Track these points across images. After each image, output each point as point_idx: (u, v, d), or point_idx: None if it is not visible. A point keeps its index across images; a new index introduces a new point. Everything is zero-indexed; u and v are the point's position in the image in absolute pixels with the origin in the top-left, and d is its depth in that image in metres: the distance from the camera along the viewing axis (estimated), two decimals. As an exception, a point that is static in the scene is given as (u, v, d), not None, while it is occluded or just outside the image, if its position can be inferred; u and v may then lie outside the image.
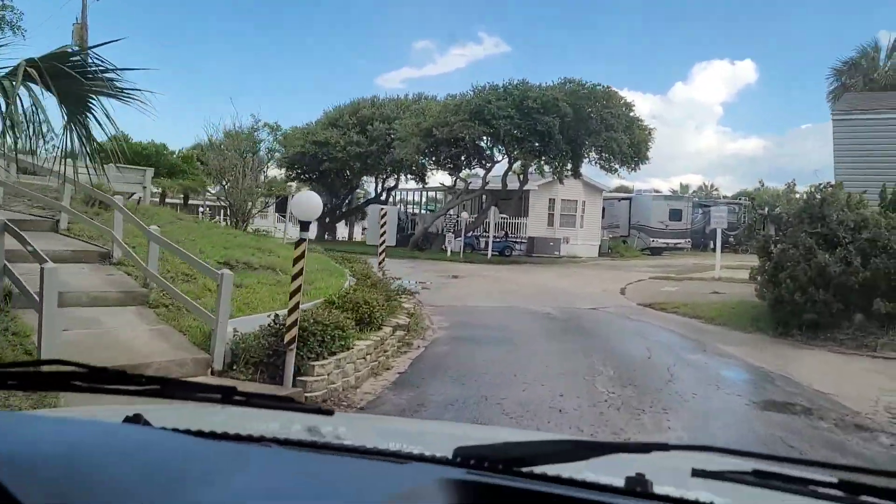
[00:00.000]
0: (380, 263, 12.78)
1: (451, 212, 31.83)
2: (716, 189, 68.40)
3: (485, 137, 26.57)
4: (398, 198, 45.00)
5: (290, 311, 6.48)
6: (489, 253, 29.40)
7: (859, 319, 11.24)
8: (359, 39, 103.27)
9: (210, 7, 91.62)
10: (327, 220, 39.91)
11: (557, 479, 1.10)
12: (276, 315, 6.91)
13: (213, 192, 27.10)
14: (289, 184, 38.05)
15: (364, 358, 7.72)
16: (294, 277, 6.51)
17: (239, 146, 18.65)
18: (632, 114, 27.76)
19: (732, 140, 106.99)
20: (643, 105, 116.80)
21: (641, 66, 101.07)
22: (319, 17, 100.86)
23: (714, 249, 46.18)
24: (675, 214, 41.15)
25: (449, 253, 28.72)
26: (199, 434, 1.29)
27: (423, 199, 44.37)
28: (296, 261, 6.55)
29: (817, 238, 11.12)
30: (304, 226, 6.52)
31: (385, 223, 12.60)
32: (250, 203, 18.80)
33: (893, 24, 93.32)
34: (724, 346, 10.65)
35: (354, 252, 31.59)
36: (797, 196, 11.82)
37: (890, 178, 11.87)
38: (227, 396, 1.37)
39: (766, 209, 12.51)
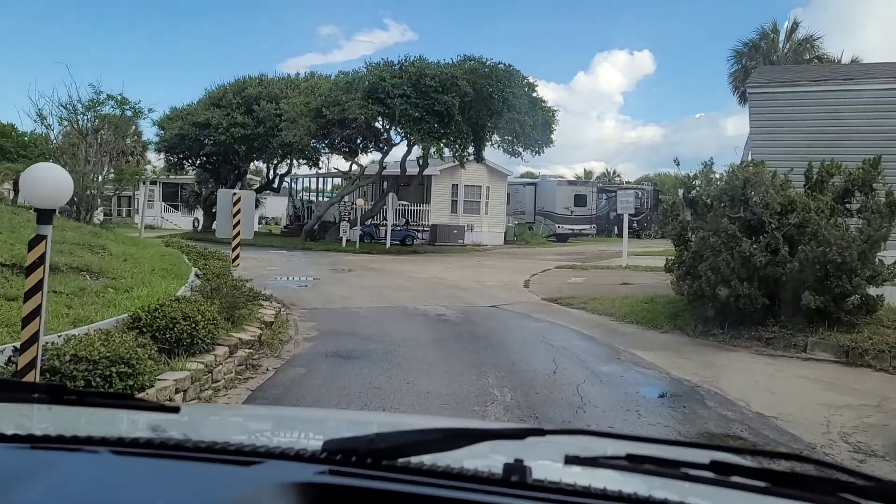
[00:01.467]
0: (233, 261, 10.45)
1: (347, 199, 29.54)
2: (618, 175, 69.11)
3: (380, 118, 24.43)
4: (298, 185, 42.20)
5: (23, 348, 4.26)
6: (388, 242, 27.38)
7: (786, 315, 9.98)
8: (260, 22, 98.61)
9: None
10: (215, 209, 36.73)
11: (431, 472, 1.09)
12: (15, 348, 4.65)
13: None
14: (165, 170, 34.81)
15: (170, 399, 5.57)
16: (28, 295, 4.27)
17: (77, 122, 15.74)
18: (535, 95, 26.33)
19: (632, 128, 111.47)
20: (547, 93, 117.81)
21: (546, 55, 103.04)
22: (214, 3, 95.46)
23: (619, 235, 46.20)
24: (581, 200, 40.44)
25: (344, 243, 26.51)
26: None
27: (327, 186, 41.78)
28: (30, 270, 4.31)
29: (740, 224, 9.75)
30: (44, 216, 4.29)
31: (239, 211, 10.29)
32: (92, 190, 15.93)
33: (784, 14, 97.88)
34: (642, 352, 9.10)
35: (250, 244, 28.93)
36: (716, 176, 10.39)
37: (813, 156, 10.67)
38: (56, 396, 1.31)
39: (682, 192, 10.86)
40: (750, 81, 12.31)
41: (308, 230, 29.07)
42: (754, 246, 9.43)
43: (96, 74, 76.81)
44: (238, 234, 10.07)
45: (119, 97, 16.90)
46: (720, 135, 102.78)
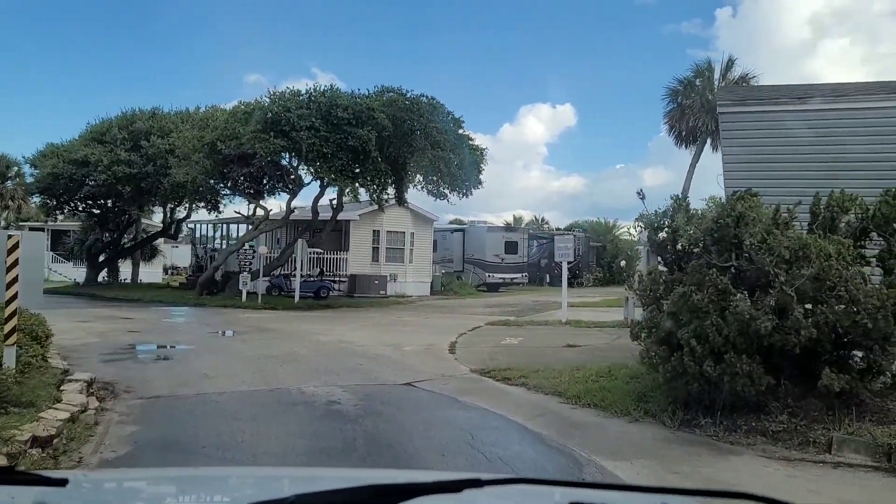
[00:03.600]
0: (6, 337, 6.92)
1: (249, 246, 26.13)
2: (546, 222, 67.86)
3: (285, 154, 21.40)
4: (206, 231, 38.30)
5: None
6: (296, 296, 24.08)
7: (793, 397, 7.43)
8: (187, 69, 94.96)
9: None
10: (101, 257, 32.55)
11: None
12: None
13: None
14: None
15: None
16: None
17: None
18: (462, 132, 23.92)
19: (556, 178, 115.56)
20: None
21: (474, 107, 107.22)
22: (138, 43, 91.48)
23: (552, 284, 44.09)
24: (511, 247, 38.18)
25: (245, 297, 23.05)
26: None
27: (234, 233, 38.00)
28: None
29: (731, 276, 7.20)
30: None
31: (17, 263, 6.86)
32: None
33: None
34: (612, 461, 6.29)
35: (119, 299, 24.99)
36: (695, 212, 7.86)
37: (803, 188, 8.35)
38: None
39: (646, 234, 8.12)
40: (721, 100, 10.10)
41: (203, 283, 25.44)
42: (756, 307, 6.87)
43: None
44: (16, 293, 6.69)
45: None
46: (639, 184, 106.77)
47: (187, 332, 14.68)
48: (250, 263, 23.54)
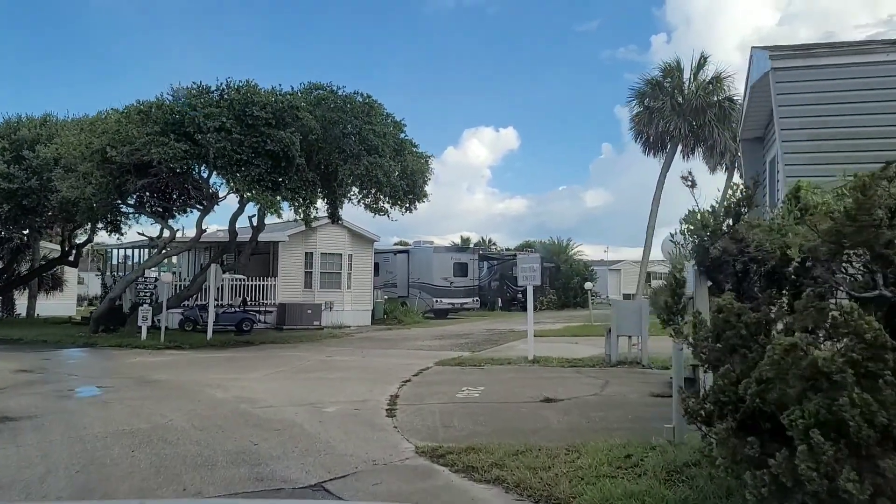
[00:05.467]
0: None
1: (151, 273, 22.14)
2: (494, 243, 65.01)
3: (188, 161, 17.68)
4: (117, 257, 33.78)
5: None
6: (209, 331, 20.24)
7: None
8: (110, 80, 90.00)
9: None
10: (-11, 290, 27.93)
11: None
12: None
13: None
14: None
15: None
16: None
17: None
18: (403, 137, 20.68)
19: (500, 200, 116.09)
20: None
21: (417, 128, 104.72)
22: (44, 48, 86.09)
23: (504, 308, 41.00)
24: (461, 269, 34.98)
25: (144, 334, 19.09)
26: None
27: (143, 258, 33.57)
28: None
29: (886, 312, 4.09)
30: None
31: None
32: None
33: (627, 99, 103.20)
34: None
35: (13, 341, 20.64)
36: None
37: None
38: None
39: (698, 241, 4.80)
40: (776, 54, 7.05)
41: (98, 318, 21.31)
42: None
43: None
44: None
45: None
46: (581, 206, 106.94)
47: (31, 391, 10.85)
48: (151, 294, 19.62)
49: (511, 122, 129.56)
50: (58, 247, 31.35)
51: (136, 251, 30.37)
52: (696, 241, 5.31)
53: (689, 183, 5.12)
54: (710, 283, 5.57)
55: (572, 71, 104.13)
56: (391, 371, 13.59)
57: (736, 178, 24.78)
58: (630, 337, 13.95)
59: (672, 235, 5.73)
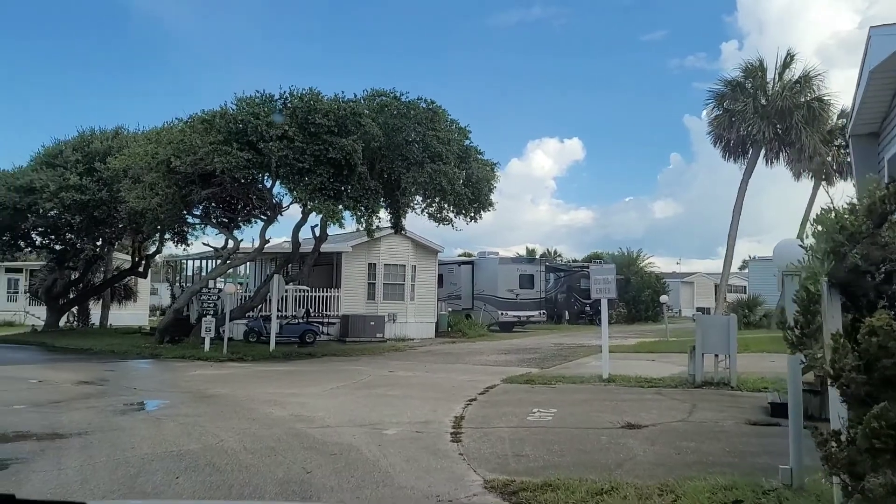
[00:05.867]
0: None
1: (214, 284, 22.08)
2: (559, 255, 63.56)
3: (251, 170, 17.45)
4: (191, 268, 34.24)
5: None
6: (271, 343, 19.96)
7: None
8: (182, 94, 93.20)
9: None
10: (62, 301, 28.59)
11: None
12: None
13: None
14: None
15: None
16: None
17: None
18: (468, 143, 20.00)
19: (565, 212, 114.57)
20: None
21: (481, 142, 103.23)
22: (113, 62, 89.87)
23: (571, 321, 39.73)
24: (527, 281, 33.96)
25: (207, 346, 18.94)
26: None
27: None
28: None
29: None
30: None
31: None
32: None
33: (696, 108, 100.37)
34: None
35: (67, 350, 20.97)
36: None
37: None
38: None
39: (820, 250, 3.80)
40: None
41: (164, 329, 21.37)
42: None
43: None
44: None
45: None
46: (648, 217, 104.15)
47: (87, 405, 10.56)
48: (214, 305, 19.50)
49: (576, 132, 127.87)
50: (127, 257, 32.03)
51: (204, 262, 30.65)
52: (830, 246, 4.36)
53: (823, 176, 4.20)
54: (841, 298, 4.60)
55: (639, 81, 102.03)
56: (456, 388, 12.83)
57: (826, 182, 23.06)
58: (716, 355, 12.77)
59: (804, 238, 4.79)
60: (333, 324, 25.66)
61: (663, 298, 26.41)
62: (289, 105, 17.69)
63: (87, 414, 9.80)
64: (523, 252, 53.37)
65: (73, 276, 29.00)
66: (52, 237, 25.36)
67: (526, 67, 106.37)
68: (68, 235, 24.36)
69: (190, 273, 32.83)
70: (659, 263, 50.49)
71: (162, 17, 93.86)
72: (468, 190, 19.16)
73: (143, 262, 29.08)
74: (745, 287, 44.81)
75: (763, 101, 22.19)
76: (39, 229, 24.27)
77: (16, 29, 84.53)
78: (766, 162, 22.93)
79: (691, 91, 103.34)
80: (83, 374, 14.76)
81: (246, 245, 22.72)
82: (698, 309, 56.83)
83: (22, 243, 26.04)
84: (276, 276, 20.11)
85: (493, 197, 20.54)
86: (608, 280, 13.94)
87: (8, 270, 42.54)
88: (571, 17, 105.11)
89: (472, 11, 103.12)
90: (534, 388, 12.79)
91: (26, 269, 41.10)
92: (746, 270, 42.04)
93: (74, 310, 30.80)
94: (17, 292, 43.17)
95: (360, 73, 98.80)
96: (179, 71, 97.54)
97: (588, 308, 40.97)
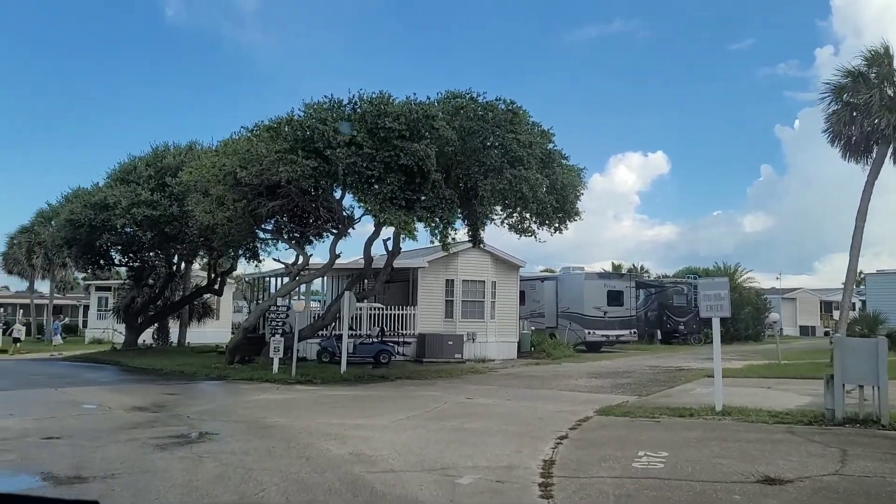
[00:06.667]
0: None
1: (283, 302, 21.11)
2: (646, 270, 60.34)
3: (317, 179, 16.33)
4: (273, 286, 33.81)
5: None
6: (343, 364, 18.75)
7: None
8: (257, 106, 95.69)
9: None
10: (140, 319, 28.51)
11: None
12: None
13: None
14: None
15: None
16: None
17: None
18: (552, 147, 18.32)
19: (649, 227, 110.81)
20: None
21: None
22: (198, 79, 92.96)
23: (662, 341, 37.03)
24: (615, 297, 31.71)
25: (276, 367, 17.91)
26: None
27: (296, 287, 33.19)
28: None
29: None
30: None
31: None
32: None
33: (788, 118, 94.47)
34: None
35: (140, 370, 20.45)
36: None
37: None
38: None
39: None
40: None
41: (234, 348, 20.56)
42: None
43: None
44: None
45: None
46: (738, 232, 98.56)
47: (129, 437, 9.47)
48: (283, 323, 18.49)
49: (660, 146, 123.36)
50: (200, 273, 31.90)
51: (279, 279, 30.06)
52: None
53: None
54: None
55: (726, 91, 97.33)
56: (542, 421, 11.13)
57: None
58: (862, 386, 10.55)
59: None
60: (409, 343, 24.34)
61: (773, 317, 23.76)
62: (357, 110, 16.56)
63: (124, 449, 8.66)
64: (608, 268, 50.81)
65: (152, 294, 28.95)
66: (131, 255, 25.24)
67: (606, 82, 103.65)
68: (143, 252, 24.10)
69: (272, 290, 32.41)
70: (757, 279, 46.82)
71: (249, 43, 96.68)
72: (552, 197, 17.46)
73: (219, 279, 28.68)
74: (857, 304, 40.83)
75: (890, 92, 19.49)
76: (116, 246, 24.13)
77: (114, 51, 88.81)
78: (894, 161, 20.15)
79: (783, 100, 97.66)
80: (142, 398, 13.90)
81: (321, 261, 21.80)
82: (801, 328, 52.54)
83: (102, 261, 26.06)
84: (346, 293, 18.93)
85: (579, 205, 18.75)
86: (720, 296, 11.91)
87: (98, 289, 43.64)
88: (653, 30, 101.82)
89: (549, 28, 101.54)
90: (635, 423, 10.92)
91: (114, 288, 41.98)
92: (862, 287, 38.11)
93: (153, 328, 30.80)
94: (107, 310, 44.20)
95: (432, 88, 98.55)
96: (261, 91, 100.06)
97: (682, 327, 38.22)
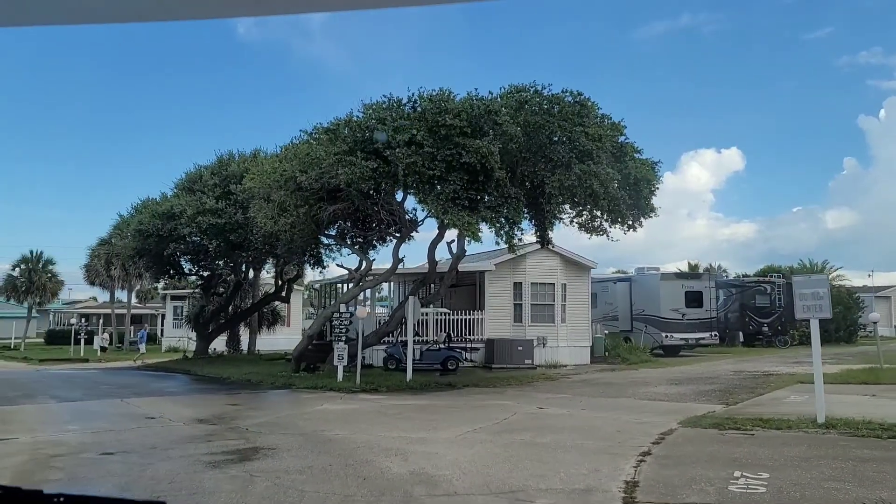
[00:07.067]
0: None
1: (347, 308, 20.71)
2: (725, 270, 57.66)
3: (377, 181, 15.81)
4: (338, 292, 33.78)
5: None
6: (408, 372, 18.17)
7: None
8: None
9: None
10: (210, 327, 28.77)
11: None
12: None
13: None
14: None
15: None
16: None
17: None
18: (623, 140, 17.28)
19: (725, 225, 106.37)
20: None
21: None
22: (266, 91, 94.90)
23: (745, 343, 35.04)
24: (694, 298, 30.07)
25: (340, 376, 17.49)
26: None
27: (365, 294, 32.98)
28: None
29: None
30: None
31: None
32: None
33: (873, 108, 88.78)
34: None
35: (206, 378, 20.44)
36: None
37: None
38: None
39: None
40: None
41: (299, 356, 20.29)
42: None
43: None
44: None
45: None
46: (820, 228, 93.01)
47: (185, 452, 9.08)
48: (346, 331, 18.08)
49: (734, 142, 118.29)
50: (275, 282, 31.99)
51: (346, 285, 29.86)
52: None
53: None
54: None
55: (802, 83, 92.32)
56: (621, 434, 10.19)
57: None
58: None
59: None
60: (477, 349, 23.60)
61: (874, 316, 21.75)
62: (417, 108, 15.97)
63: (176, 466, 8.24)
64: (684, 268, 48.68)
65: (221, 303, 29.23)
66: (200, 264, 25.49)
67: (675, 78, 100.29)
68: (211, 261, 24.27)
69: (339, 296, 32.32)
70: (848, 276, 43.95)
71: (315, 52, 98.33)
72: (625, 193, 16.42)
73: (285, 286, 28.69)
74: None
75: None
76: (185, 256, 24.40)
77: (186, 67, 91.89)
78: None
79: (866, 89, 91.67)
80: (204, 409, 13.66)
81: (386, 266, 21.36)
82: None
83: (172, 270, 26.43)
84: (410, 298, 18.36)
85: (654, 201, 17.61)
86: (819, 295, 10.70)
87: (173, 298, 44.72)
88: (723, 23, 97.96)
89: (615, 26, 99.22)
90: (725, 436, 9.85)
91: (189, 297, 42.92)
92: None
93: (225, 335, 31.12)
94: (181, 319, 45.24)
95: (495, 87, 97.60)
96: (326, 97, 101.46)
97: (765, 328, 36.10)
